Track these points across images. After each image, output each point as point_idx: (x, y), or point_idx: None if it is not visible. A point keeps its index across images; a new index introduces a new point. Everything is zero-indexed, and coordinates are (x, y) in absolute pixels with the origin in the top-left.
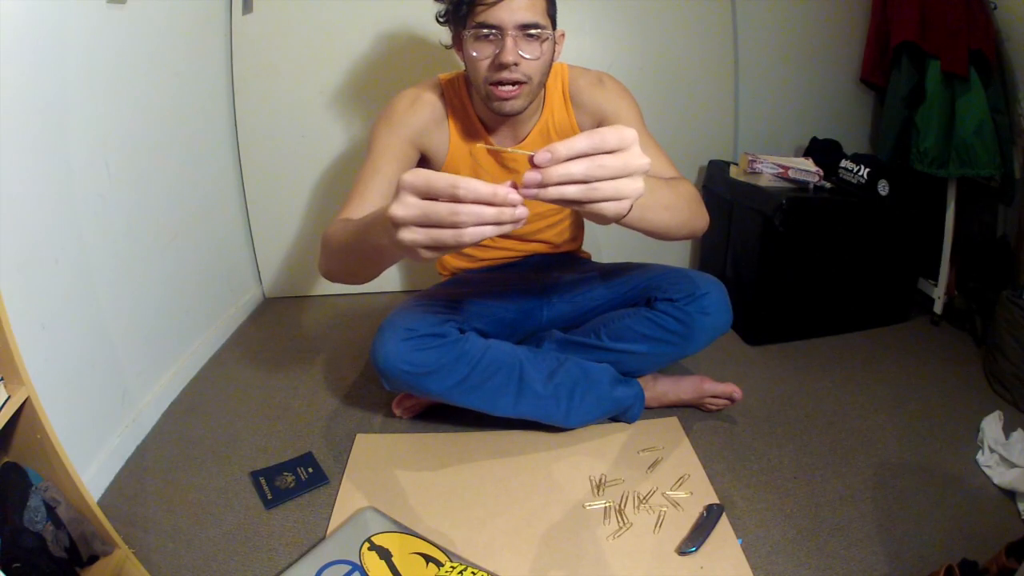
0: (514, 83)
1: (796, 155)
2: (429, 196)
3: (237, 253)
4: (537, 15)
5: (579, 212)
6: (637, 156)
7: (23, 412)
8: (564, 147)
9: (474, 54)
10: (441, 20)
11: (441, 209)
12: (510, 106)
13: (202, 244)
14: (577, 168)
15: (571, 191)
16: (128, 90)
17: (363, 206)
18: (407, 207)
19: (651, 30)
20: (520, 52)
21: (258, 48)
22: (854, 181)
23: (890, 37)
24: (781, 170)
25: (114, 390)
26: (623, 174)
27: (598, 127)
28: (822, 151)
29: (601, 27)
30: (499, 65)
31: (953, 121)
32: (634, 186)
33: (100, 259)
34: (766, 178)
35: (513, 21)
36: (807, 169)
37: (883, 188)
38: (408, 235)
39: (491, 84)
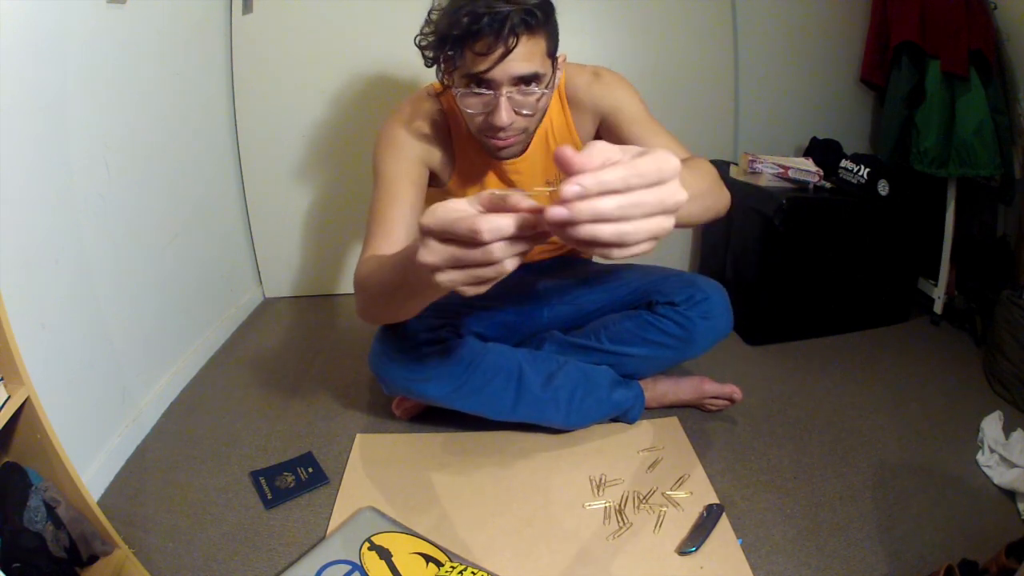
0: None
1: (796, 155)
2: (451, 240)
3: (237, 253)
4: (536, 64)
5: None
6: (675, 192)
7: (23, 412)
8: (593, 181)
9: (466, 109)
10: (428, 61)
11: (474, 253)
12: (507, 153)
13: (202, 244)
14: (607, 205)
15: (604, 232)
16: (128, 90)
17: (389, 239)
18: (435, 252)
19: (651, 30)
20: (515, 110)
21: (258, 48)
22: (854, 181)
23: (890, 37)
24: (781, 170)
25: (114, 390)
26: (657, 211)
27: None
28: (822, 151)
29: (601, 27)
30: (491, 125)
31: (953, 121)
32: (666, 226)
33: (100, 259)
34: (766, 178)
35: (508, 77)
36: (807, 169)
37: (883, 188)
38: (446, 278)
39: (484, 135)
